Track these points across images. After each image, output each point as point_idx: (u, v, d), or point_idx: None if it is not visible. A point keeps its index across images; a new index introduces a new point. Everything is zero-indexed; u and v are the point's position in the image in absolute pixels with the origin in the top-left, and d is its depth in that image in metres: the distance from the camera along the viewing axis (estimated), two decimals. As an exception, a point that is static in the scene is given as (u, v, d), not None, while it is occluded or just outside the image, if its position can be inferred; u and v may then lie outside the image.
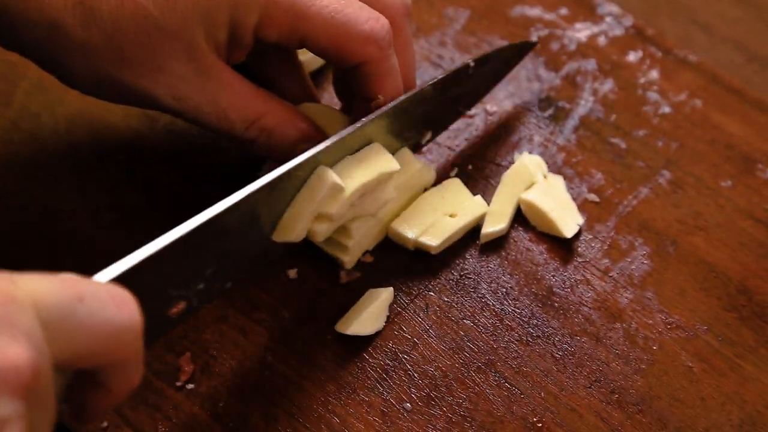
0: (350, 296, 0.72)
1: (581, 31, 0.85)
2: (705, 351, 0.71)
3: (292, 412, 0.68)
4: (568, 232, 0.74)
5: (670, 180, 0.77)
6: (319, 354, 0.70)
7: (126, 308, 0.47)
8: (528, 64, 0.83)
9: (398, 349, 0.70)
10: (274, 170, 0.62)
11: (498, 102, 0.81)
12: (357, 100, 0.71)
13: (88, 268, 0.72)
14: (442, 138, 0.79)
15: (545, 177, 0.76)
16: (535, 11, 0.86)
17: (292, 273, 0.73)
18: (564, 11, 0.86)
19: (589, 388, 0.69)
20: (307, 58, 0.80)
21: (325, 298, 0.72)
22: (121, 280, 0.52)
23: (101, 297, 0.46)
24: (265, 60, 0.74)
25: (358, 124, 0.66)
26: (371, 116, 0.67)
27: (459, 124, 0.80)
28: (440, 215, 0.73)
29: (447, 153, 0.79)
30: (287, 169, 0.62)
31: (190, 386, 0.68)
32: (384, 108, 0.68)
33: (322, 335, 0.71)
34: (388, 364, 0.69)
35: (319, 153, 0.64)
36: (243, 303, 0.72)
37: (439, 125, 0.77)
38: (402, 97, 0.69)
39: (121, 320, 0.47)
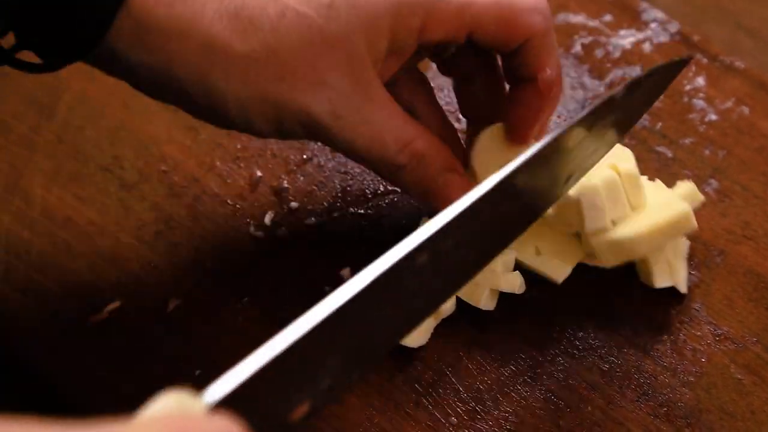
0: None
1: (626, 38, 0.84)
2: (755, 363, 0.70)
3: (337, 426, 0.67)
4: None
5: (717, 189, 0.76)
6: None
7: None
8: (572, 72, 0.82)
9: (444, 362, 0.70)
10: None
11: (542, 111, 0.81)
12: (519, 88, 0.67)
13: (132, 281, 0.73)
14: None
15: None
16: (578, 18, 0.85)
17: (345, 273, 0.73)
18: (608, 18, 0.85)
19: (637, 401, 0.68)
20: None
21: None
22: (236, 393, 0.44)
23: None
24: (402, 88, 0.70)
25: (505, 173, 0.56)
26: (517, 162, 0.56)
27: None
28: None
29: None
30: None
31: (235, 400, 0.68)
32: (530, 153, 0.57)
33: (366, 348, 0.70)
34: (434, 378, 0.69)
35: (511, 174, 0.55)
36: (286, 316, 0.72)
37: (583, 169, 0.65)
38: (551, 136, 0.58)
39: None
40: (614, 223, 0.68)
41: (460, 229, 0.54)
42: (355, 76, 0.62)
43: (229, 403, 0.43)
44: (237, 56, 0.60)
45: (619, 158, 0.69)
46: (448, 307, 0.70)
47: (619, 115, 0.64)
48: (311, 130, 0.63)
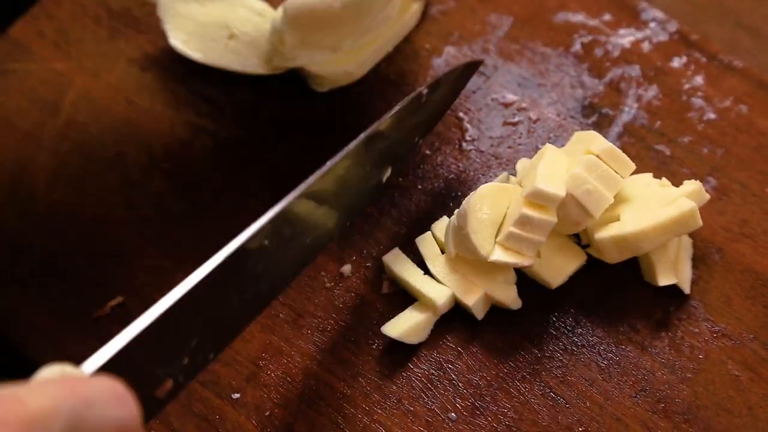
0: (393, 305, 0.72)
1: (625, 37, 0.84)
2: (752, 360, 0.70)
3: (337, 421, 0.68)
4: None
5: (716, 187, 0.77)
6: (364, 363, 0.70)
7: (127, 405, 0.47)
8: (571, 70, 0.83)
9: (443, 358, 0.70)
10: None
11: (541, 109, 0.81)
12: None
13: (134, 276, 0.74)
14: (485, 145, 0.79)
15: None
16: (578, 17, 0.86)
17: (346, 270, 0.74)
18: (607, 17, 0.85)
19: (635, 397, 0.69)
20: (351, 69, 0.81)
21: (369, 308, 0.73)
22: (110, 365, 0.52)
23: (105, 397, 0.46)
24: None
25: (327, 166, 0.65)
26: (337, 156, 0.65)
27: (503, 131, 0.80)
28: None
29: (491, 160, 0.79)
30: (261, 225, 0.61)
31: (236, 396, 0.69)
32: (349, 147, 0.66)
33: (367, 345, 0.71)
34: (433, 374, 0.70)
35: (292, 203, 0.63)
36: (288, 312, 0.72)
37: (398, 159, 0.74)
38: (364, 134, 0.67)
39: (124, 417, 0.47)
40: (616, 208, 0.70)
41: (294, 216, 0.63)
42: None
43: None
44: None
45: (589, 142, 0.70)
46: (446, 303, 0.70)
47: (420, 116, 0.73)
48: None
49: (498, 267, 0.70)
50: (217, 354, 0.60)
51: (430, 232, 0.74)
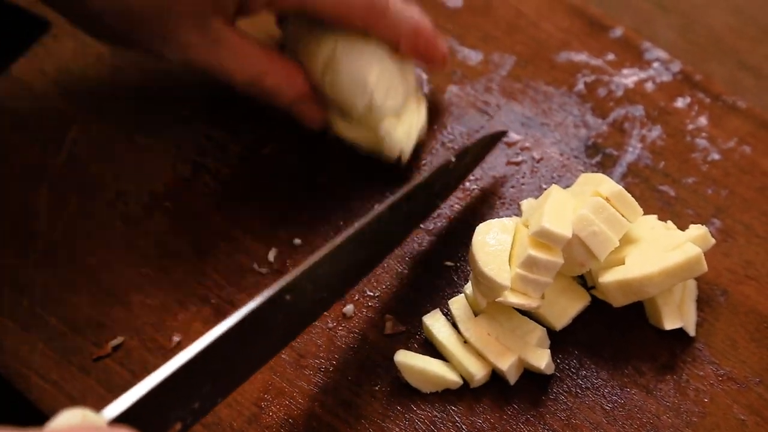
0: (395, 346, 0.72)
1: (628, 77, 0.84)
2: (757, 403, 0.70)
3: (339, 464, 0.67)
4: None
5: (720, 228, 0.76)
6: (366, 405, 0.70)
7: None
8: (575, 110, 0.83)
9: (446, 400, 0.70)
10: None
11: (544, 149, 0.81)
12: None
13: (135, 316, 0.73)
14: (488, 185, 0.79)
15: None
16: (581, 57, 0.86)
17: (349, 310, 0.74)
18: (611, 57, 0.85)
19: (640, 441, 0.68)
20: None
21: (371, 348, 0.72)
22: (127, 414, 0.53)
23: None
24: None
25: (355, 227, 0.67)
26: (367, 217, 0.68)
27: (507, 170, 0.80)
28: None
29: (494, 200, 0.78)
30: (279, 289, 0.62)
31: (238, 438, 0.69)
32: (379, 209, 0.69)
33: (369, 386, 0.70)
34: (436, 416, 0.69)
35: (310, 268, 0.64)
36: (290, 353, 0.72)
37: (420, 220, 0.77)
38: (393, 198, 0.70)
39: None
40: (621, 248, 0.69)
41: (318, 273, 0.64)
42: (204, 31, 0.72)
43: (122, 421, 0.52)
44: (94, 9, 0.71)
45: (598, 184, 0.69)
46: (483, 378, 0.70)
47: (449, 177, 0.76)
48: (164, 59, 0.75)
49: (530, 329, 0.69)
50: (225, 397, 0.61)
51: (463, 294, 0.73)
